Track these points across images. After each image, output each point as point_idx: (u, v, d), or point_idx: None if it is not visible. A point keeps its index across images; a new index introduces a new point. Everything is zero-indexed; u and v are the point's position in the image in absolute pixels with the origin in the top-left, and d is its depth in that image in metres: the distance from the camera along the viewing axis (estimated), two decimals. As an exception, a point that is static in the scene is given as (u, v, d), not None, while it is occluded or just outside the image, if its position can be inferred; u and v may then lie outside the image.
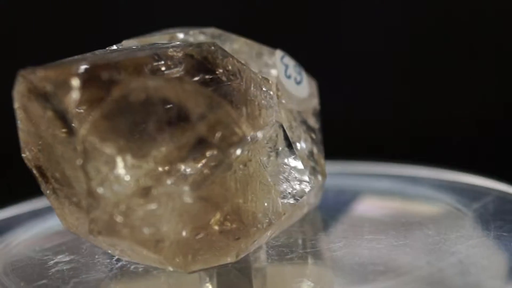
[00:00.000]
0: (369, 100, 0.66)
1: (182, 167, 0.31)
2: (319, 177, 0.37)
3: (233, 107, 0.32)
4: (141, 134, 0.31)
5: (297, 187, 0.35)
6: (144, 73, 0.31)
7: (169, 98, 0.31)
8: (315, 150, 0.37)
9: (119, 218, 0.31)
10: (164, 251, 0.32)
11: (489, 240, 0.36)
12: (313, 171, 0.36)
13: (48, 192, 0.34)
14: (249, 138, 0.33)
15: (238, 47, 0.37)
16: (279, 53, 0.37)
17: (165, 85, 0.31)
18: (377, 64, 0.67)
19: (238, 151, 0.32)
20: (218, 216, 0.32)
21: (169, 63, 0.32)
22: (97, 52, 0.34)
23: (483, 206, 0.40)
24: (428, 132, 0.67)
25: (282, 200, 0.34)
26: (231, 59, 0.33)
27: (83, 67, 0.31)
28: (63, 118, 0.31)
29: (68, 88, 0.31)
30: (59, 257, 0.37)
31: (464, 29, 0.67)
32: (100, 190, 0.31)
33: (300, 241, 0.37)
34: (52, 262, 0.37)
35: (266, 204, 0.34)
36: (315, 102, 0.38)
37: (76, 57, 0.33)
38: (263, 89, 0.34)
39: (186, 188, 0.31)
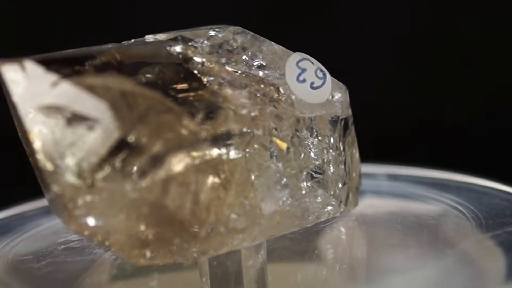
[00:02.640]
0: (369, 100, 0.66)
1: (118, 165, 0.32)
2: (325, 188, 0.37)
3: (188, 112, 0.34)
4: (78, 131, 0.32)
5: (288, 195, 0.35)
6: (94, 70, 0.33)
7: (105, 99, 0.33)
8: (325, 159, 0.37)
9: (62, 207, 0.33)
10: (114, 243, 0.33)
11: (488, 240, 0.36)
12: (316, 181, 0.36)
13: (38, 179, 0.35)
14: (204, 141, 0.33)
15: (275, 49, 0.37)
16: (295, 56, 0.36)
17: (105, 86, 0.33)
18: (377, 63, 0.67)
19: (189, 152, 0.33)
20: (172, 214, 0.33)
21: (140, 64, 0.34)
22: (99, 46, 0.35)
23: (483, 206, 0.40)
24: (427, 132, 0.67)
25: (271, 206, 0.35)
26: (214, 65, 0.35)
27: (29, 62, 0.33)
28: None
29: (13, 81, 0.32)
30: (73, 236, 0.37)
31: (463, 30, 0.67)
32: (49, 181, 0.33)
33: (298, 241, 0.38)
34: (62, 240, 0.37)
35: (241, 208, 0.34)
36: (336, 109, 0.37)
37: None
38: (257, 94, 0.35)
39: (127, 185, 0.32)
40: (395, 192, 0.44)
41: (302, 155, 0.36)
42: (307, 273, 0.36)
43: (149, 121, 0.33)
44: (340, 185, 0.37)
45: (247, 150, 0.34)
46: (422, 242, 0.37)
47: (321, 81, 0.36)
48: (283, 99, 0.36)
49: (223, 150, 0.34)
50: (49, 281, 0.36)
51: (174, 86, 0.34)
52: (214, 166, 0.34)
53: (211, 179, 0.34)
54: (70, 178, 0.32)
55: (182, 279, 0.36)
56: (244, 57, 0.37)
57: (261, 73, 0.36)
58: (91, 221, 0.33)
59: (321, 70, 0.37)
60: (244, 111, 0.35)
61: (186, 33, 0.37)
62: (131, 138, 0.32)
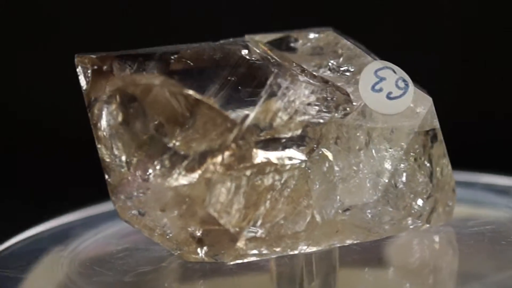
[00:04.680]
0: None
1: (167, 162, 0.34)
2: (394, 200, 0.36)
3: (240, 116, 0.34)
4: (133, 128, 0.34)
5: (349, 205, 0.35)
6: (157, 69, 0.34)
7: (157, 98, 0.34)
8: (399, 171, 0.36)
9: (115, 197, 0.35)
10: (169, 238, 0.35)
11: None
12: (384, 192, 0.36)
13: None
14: (252, 145, 0.34)
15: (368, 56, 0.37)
16: (374, 64, 0.36)
17: (153, 85, 0.34)
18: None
19: (235, 155, 0.34)
20: (207, 215, 0.34)
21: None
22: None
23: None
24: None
25: (325, 216, 0.35)
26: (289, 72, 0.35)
27: (94, 57, 0.34)
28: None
29: (83, 74, 0.35)
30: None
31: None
32: (106, 171, 0.35)
33: (368, 248, 0.37)
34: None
35: (292, 214, 0.35)
36: (416, 120, 0.36)
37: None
38: (325, 102, 0.35)
39: (174, 181, 0.34)
40: (467, 199, 0.43)
41: (369, 166, 0.35)
42: (376, 281, 0.36)
43: (197, 123, 0.34)
44: (419, 200, 0.36)
45: (305, 157, 0.34)
46: (497, 250, 0.36)
47: (400, 92, 0.35)
48: (354, 108, 0.35)
49: (275, 155, 0.34)
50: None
51: (242, 90, 0.34)
52: (264, 171, 0.34)
53: (258, 183, 0.34)
54: (125, 171, 0.34)
55: (254, 281, 0.36)
56: (332, 61, 0.36)
57: (341, 79, 0.36)
58: (141, 214, 0.34)
59: (404, 80, 0.35)
60: (302, 118, 0.34)
61: (292, 33, 0.37)
62: (178, 139, 0.34)
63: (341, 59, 0.36)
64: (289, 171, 0.34)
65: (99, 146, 0.34)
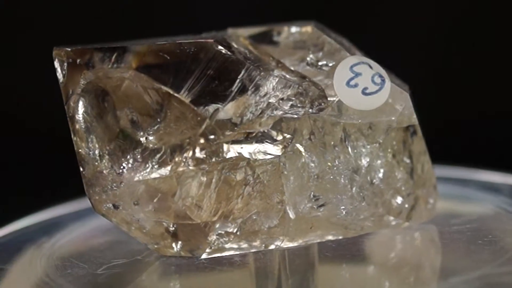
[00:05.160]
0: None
1: (138, 157, 0.34)
2: (370, 197, 0.36)
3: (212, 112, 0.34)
4: (106, 121, 0.35)
5: (322, 201, 0.35)
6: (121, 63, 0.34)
7: (129, 93, 0.34)
8: (376, 168, 0.36)
9: (91, 191, 0.35)
10: (145, 233, 0.35)
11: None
12: (360, 189, 0.35)
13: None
14: (224, 141, 0.34)
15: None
16: (350, 60, 0.35)
17: (123, 79, 0.34)
18: (385, 62, 0.66)
19: (206, 150, 0.34)
20: (180, 210, 0.34)
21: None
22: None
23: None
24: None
25: (298, 212, 0.35)
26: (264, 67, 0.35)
27: (70, 50, 0.35)
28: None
29: (59, 68, 0.35)
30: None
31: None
32: (81, 164, 0.35)
33: (346, 244, 0.37)
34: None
35: (265, 210, 0.35)
36: (393, 115, 0.36)
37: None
38: (301, 97, 0.35)
39: (147, 175, 0.34)
40: (457, 195, 0.43)
41: (345, 163, 0.35)
42: (355, 278, 0.36)
43: (168, 117, 0.34)
44: (398, 197, 0.36)
45: (279, 152, 0.34)
46: (471, 250, 0.36)
47: (376, 87, 0.35)
48: (329, 103, 0.35)
49: (247, 150, 0.34)
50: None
51: (214, 84, 0.34)
52: (236, 165, 0.34)
53: (230, 178, 0.34)
54: (98, 164, 0.34)
55: (231, 276, 0.36)
56: (311, 56, 0.36)
57: (320, 74, 0.36)
58: (116, 207, 0.35)
59: (380, 76, 0.35)
60: (274, 113, 0.34)
61: (275, 27, 0.37)
62: (151, 133, 0.34)
63: (321, 53, 0.36)
64: (261, 166, 0.34)
65: (75, 138, 0.35)
